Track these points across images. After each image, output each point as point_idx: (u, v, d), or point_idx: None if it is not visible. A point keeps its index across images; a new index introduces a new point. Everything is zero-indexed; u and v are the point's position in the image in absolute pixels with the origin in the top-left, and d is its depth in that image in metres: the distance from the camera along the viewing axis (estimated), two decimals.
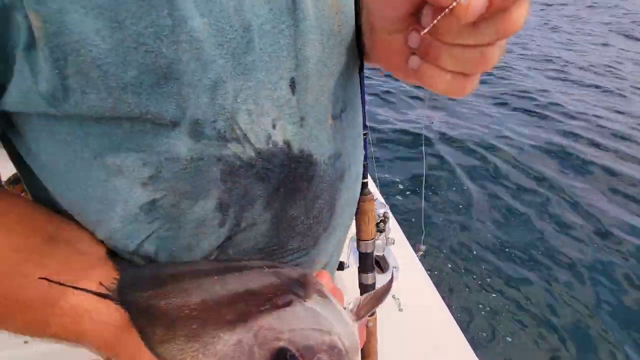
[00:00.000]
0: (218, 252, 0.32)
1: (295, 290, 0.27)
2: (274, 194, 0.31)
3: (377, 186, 1.10)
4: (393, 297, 0.83)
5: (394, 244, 0.67)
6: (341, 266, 0.56)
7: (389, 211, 0.71)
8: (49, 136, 0.26)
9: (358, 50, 0.38)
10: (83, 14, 0.22)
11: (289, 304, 0.26)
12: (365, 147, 0.49)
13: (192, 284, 0.28)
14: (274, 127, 0.30)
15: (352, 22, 0.35)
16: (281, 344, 0.23)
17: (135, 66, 0.23)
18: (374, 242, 0.54)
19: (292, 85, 0.31)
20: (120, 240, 0.30)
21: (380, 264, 0.94)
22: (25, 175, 0.32)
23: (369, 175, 0.61)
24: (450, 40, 0.23)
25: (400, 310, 0.80)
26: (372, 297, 0.33)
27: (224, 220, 0.30)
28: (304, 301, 0.26)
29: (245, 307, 0.25)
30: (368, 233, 0.53)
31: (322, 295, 0.28)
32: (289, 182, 0.32)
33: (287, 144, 0.31)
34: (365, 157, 0.50)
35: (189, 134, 0.26)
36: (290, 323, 0.24)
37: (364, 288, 0.57)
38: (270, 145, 0.30)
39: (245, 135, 0.28)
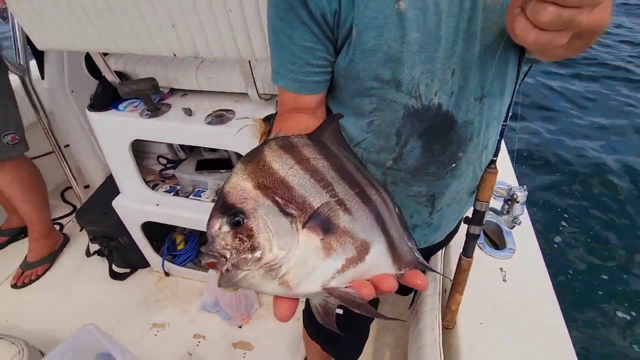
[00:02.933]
0: (392, 162, 0.59)
1: (318, 220, 0.30)
2: (425, 131, 0.55)
3: (515, 174, 1.15)
4: (500, 269, 0.94)
5: (519, 224, 0.78)
6: (468, 220, 0.74)
7: (521, 195, 0.81)
8: (336, 83, 0.57)
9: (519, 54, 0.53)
10: (372, 37, 0.48)
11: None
12: (501, 134, 0.64)
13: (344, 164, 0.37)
14: (435, 94, 0.53)
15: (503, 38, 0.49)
16: (246, 208, 0.30)
17: (383, 53, 0.49)
18: (487, 204, 0.69)
19: (453, 73, 0.52)
20: (347, 140, 0.58)
21: (498, 242, 1.04)
22: (328, 101, 0.62)
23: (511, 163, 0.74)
24: None
25: (504, 280, 0.91)
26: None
27: (398, 142, 0.57)
28: (311, 233, 0.30)
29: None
30: (482, 196, 0.68)
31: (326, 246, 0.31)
32: (435, 127, 0.55)
33: (440, 105, 0.53)
34: (499, 142, 0.66)
35: (395, 87, 0.52)
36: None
37: (469, 235, 0.74)
38: (430, 104, 0.53)
39: (420, 95, 0.52)
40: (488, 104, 0.55)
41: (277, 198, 0.30)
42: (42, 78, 1.63)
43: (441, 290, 0.91)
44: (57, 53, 1.57)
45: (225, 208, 0.30)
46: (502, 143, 0.67)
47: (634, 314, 1.86)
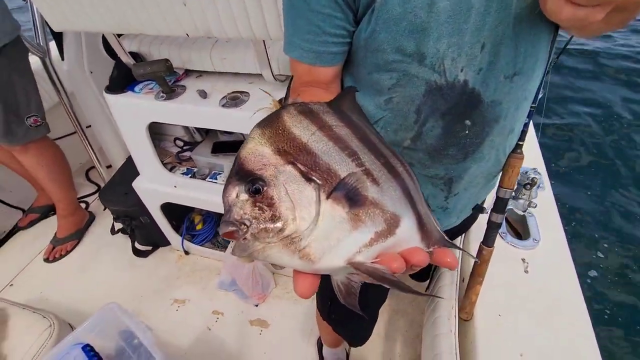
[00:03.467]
0: (410, 141, 0.55)
1: (348, 193, 0.28)
2: (448, 110, 0.51)
3: (543, 160, 1.08)
4: (522, 260, 0.90)
5: (535, 207, 0.73)
6: (482, 210, 0.71)
7: (541, 180, 0.76)
8: (355, 55, 0.53)
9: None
10: (397, 4, 0.44)
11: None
12: (529, 116, 0.59)
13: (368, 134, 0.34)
14: (461, 70, 0.48)
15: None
16: (265, 174, 0.27)
17: (408, 22, 0.45)
18: (511, 192, 0.66)
19: (483, 47, 0.47)
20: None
21: (521, 231, 1.00)
22: (343, 77, 0.59)
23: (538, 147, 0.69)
24: None
25: (526, 272, 0.88)
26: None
27: (417, 120, 0.53)
28: (336, 204, 0.28)
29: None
30: (507, 182, 0.65)
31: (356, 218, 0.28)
32: (459, 106, 0.51)
33: (466, 82, 0.49)
34: (526, 125, 0.61)
35: (419, 61, 0.48)
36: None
37: (491, 224, 0.71)
38: (455, 80, 0.49)
39: (444, 71, 0.48)
40: (519, 83, 0.51)
41: (298, 165, 0.28)
42: (62, 59, 1.64)
43: (459, 279, 0.89)
44: (75, 34, 1.57)
45: (243, 174, 0.28)
46: (530, 126, 0.63)
47: None
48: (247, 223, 0.27)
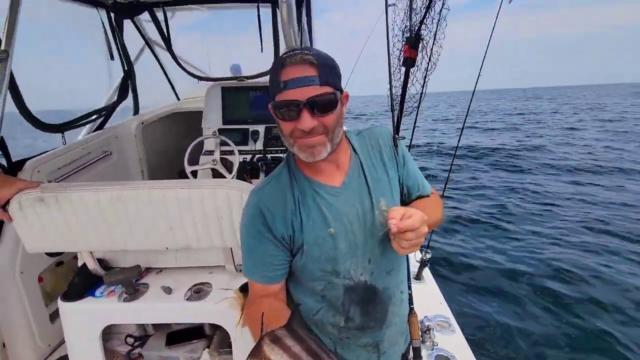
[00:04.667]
0: (344, 322, 0.83)
1: None
2: (360, 300, 0.82)
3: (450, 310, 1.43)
4: None
5: (437, 345, 1.03)
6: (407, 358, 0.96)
7: (431, 325, 1.09)
8: (295, 273, 0.84)
9: None
10: (316, 249, 0.79)
11: None
12: (409, 288, 0.95)
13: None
14: (361, 275, 0.81)
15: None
16: None
17: (324, 257, 0.79)
18: (419, 341, 0.95)
19: (369, 261, 0.82)
20: (309, 310, 0.83)
21: None
22: (288, 285, 0.87)
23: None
24: (400, 236, 0.68)
25: None
26: None
27: (344, 309, 0.82)
28: None
29: None
30: (414, 335, 0.96)
31: None
32: (365, 296, 0.82)
33: (366, 281, 0.82)
34: (410, 295, 0.95)
35: (335, 275, 0.80)
36: None
37: None
38: (359, 281, 0.81)
39: (351, 277, 0.81)
40: (395, 275, 0.87)
41: None
42: None
43: None
44: (15, 238, 1.60)
45: None
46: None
47: None
48: None
